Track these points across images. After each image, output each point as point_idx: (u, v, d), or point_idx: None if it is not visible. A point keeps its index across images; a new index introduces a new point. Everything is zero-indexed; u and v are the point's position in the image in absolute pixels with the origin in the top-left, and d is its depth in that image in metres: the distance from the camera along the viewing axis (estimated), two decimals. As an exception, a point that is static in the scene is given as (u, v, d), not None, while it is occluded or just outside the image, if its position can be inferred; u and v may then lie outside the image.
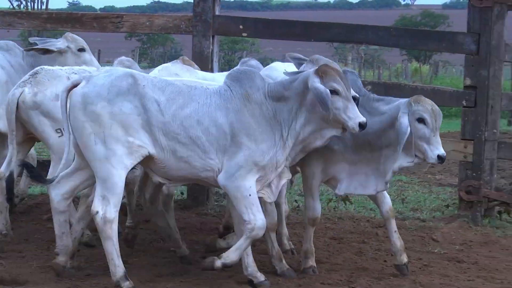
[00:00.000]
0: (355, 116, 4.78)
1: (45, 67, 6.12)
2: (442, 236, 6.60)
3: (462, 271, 5.52)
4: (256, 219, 4.80)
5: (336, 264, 5.59)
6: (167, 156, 4.85)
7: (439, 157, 4.84)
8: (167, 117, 4.78)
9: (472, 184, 6.96)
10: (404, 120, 4.83)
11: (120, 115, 4.75)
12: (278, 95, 4.92)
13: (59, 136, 5.78)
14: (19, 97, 5.65)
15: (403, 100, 5.11)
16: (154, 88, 4.85)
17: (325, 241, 6.34)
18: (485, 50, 6.92)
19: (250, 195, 4.83)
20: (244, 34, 7.60)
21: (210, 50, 7.10)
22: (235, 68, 5.33)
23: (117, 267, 4.80)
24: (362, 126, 4.78)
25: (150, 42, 42.73)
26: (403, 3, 66.96)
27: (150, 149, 4.78)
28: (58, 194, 5.06)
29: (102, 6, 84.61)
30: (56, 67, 6.23)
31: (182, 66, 6.06)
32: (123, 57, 6.86)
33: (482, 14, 6.93)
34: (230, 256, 4.88)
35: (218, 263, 4.86)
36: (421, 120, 4.92)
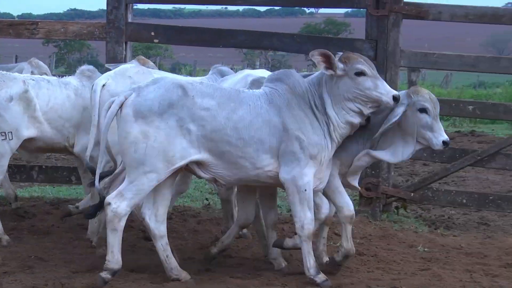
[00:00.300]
0: (387, 91, 4.96)
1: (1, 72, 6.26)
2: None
3: (363, 263, 5.68)
4: (305, 216, 4.93)
5: (244, 258, 5.73)
6: (218, 159, 4.95)
7: (444, 142, 4.94)
8: (219, 122, 4.89)
9: (371, 181, 7.15)
10: (399, 110, 4.94)
11: (166, 129, 4.85)
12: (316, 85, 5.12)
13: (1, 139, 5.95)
14: None
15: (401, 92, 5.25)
16: (203, 96, 4.93)
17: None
18: (382, 56, 7.15)
19: (305, 190, 4.93)
20: (156, 41, 7.74)
21: (123, 55, 7.22)
22: (273, 72, 5.50)
23: (115, 258, 4.89)
24: (396, 99, 4.97)
25: (67, 48, 42.93)
26: (307, 11, 68.55)
27: (197, 156, 4.90)
28: (152, 217, 5.13)
29: (20, 13, 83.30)
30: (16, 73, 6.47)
31: (138, 68, 6.10)
32: (84, 67, 6.83)
33: (379, 22, 7.17)
34: (309, 264, 5.02)
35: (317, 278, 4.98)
36: (423, 110, 5.00)
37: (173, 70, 29.65)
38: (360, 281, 5.25)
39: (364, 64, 5.02)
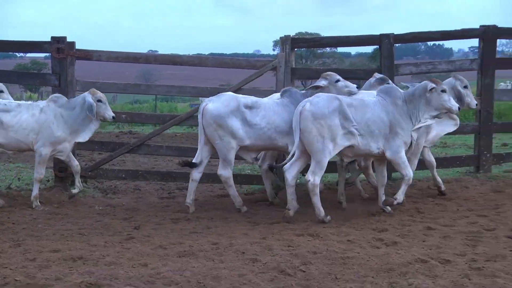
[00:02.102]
0: (452, 104, 7.12)
1: None
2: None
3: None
4: (409, 172, 7.14)
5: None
6: (357, 144, 6.95)
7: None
8: (357, 120, 6.93)
9: (62, 165, 8.58)
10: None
11: (333, 126, 6.81)
12: (409, 99, 7.15)
13: None
14: None
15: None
16: (349, 106, 6.98)
17: None
18: (64, 84, 8.72)
19: (404, 161, 7.09)
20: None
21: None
22: (383, 86, 7.46)
23: (319, 211, 6.93)
24: (459, 108, 7.21)
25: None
26: (18, 55, 68.63)
27: (348, 142, 6.93)
28: (290, 175, 7.01)
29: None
30: None
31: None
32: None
33: (60, 62, 8.74)
34: (399, 197, 7.11)
35: (395, 202, 7.07)
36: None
37: None
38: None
39: (442, 85, 7.20)
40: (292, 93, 7.71)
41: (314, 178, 6.83)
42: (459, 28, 9.58)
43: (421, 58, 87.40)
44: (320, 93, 7.25)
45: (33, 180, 8.15)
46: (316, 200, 6.86)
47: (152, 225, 6.98)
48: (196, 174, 7.75)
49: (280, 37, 9.22)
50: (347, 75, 8.87)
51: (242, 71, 9.38)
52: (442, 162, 9.47)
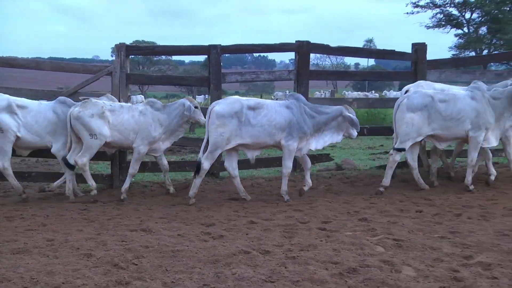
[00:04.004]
0: None
1: None
2: None
3: None
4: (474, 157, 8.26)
5: None
6: (440, 130, 8.13)
7: None
8: (447, 114, 8.11)
9: None
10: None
11: (418, 119, 8.06)
12: (496, 97, 8.18)
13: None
14: None
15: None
16: (440, 101, 8.12)
17: None
18: None
19: (479, 143, 8.17)
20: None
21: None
22: (473, 81, 8.51)
23: (387, 180, 8.38)
24: None
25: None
26: None
27: (429, 131, 8.13)
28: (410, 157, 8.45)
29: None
30: None
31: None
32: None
33: None
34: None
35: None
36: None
37: None
38: None
39: None
40: (295, 96, 8.12)
41: (395, 155, 8.26)
42: (278, 42, 9.95)
43: (248, 67, 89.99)
44: (418, 90, 8.44)
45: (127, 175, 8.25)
46: (390, 171, 8.36)
47: (-14, 225, 6.62)
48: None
49: (116, 44, 9.12)
50: (179, 81, 8.89)
51: (80, 75, 9.17)
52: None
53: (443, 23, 40.76)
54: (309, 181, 8.07)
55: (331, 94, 26.23)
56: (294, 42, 9.86)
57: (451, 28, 41.04)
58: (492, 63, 34.65)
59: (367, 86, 55.72)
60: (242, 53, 10.61)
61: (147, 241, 5.76)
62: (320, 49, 10.44)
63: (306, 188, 8.06)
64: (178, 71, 57.96)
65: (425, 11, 41.28)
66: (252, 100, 7.87)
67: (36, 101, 8.22)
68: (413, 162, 8.32)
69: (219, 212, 7.25)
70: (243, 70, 11.55)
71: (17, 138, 7.89)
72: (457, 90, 8.55)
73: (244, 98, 8.00)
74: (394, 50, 10.35)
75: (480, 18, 39.96)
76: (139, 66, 59.77)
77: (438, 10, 41.04)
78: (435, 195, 8.09)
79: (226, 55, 9.67)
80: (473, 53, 38.87)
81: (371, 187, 8.68)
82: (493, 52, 36.48)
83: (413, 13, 41.31)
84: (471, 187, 8.23)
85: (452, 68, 10.96)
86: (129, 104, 8.34)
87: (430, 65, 10.15)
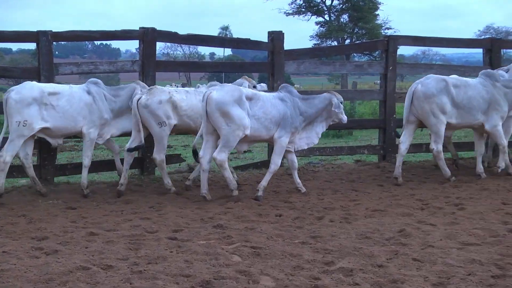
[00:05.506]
0: None
1: None
2: None
3: None
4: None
5: None
6: (454, 118, 9.25)
7: None
8: (462, 97, 9.19)
9: None
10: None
11: (443, 103, 9.11)
12: (507, 85, 9.42)
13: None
14: None
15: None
16: (455, 86, 9.21)
17: None
18: None
19: (498, 128, 9.38)
20: None
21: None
22: (486, 69, 10.01)
23: (446, 171, 9.48)
24: None
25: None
26: None
27: (452, 119, 9.19)
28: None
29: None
30: None
31: None
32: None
33: None
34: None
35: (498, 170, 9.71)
36: None
37: None
38: None
39: None
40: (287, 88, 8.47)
41: (437, 146, 9.17)
42: (120, 29, 9.80)
43: (89, 57, 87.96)
44: (431, 75, 9.35)
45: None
46: (442, 164, 9.36)
47: None
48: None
49: None
50: (2, 73, 8.50)
51: None
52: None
53: (303, 9, 42.07)
54: (299, 180, 8.66)
55: (183, 87, 26.32)
56: (138, 29, 9.76)
57: (311, 16, 42.46)
58: (354, 54, 36.57)
59: (223, 78, 56.50)
60: (78, 40, 10.28)
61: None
62: (167, 37, 10.45)
63: (302, 191, 8.53)
64: (5, 60, 55.53)
65: (284, -4, 42.45)
66: (249, 90, 8.22)
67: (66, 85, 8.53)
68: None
69: (54, 223, 7.04)
70: (80, 61, 11.26)
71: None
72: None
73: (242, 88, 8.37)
74: (249, 39, 10.58)
75: (341, 5, 41.71)
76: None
77: (297, -6, 42.29)
78: (296, 197, 8.36)
79: (62, 43, 9.40)
80: (335, 43, 40.58)
81: (228, 190, 8.78)
82: (355, 42, 38.40)
83: (271, -2, 42.07)
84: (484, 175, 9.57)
85: (312, 59, 11.36)
86: (193, 88, 9.20)
87: (288, 56, 10.49)
